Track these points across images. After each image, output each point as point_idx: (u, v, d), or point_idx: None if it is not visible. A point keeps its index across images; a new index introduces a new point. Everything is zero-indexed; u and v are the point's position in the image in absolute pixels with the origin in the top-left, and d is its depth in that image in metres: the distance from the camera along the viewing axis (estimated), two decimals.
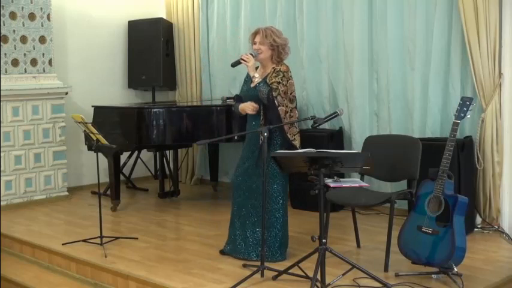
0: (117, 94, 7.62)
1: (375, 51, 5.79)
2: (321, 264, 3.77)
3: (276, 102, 4.33)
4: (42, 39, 6.70)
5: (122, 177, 6.87)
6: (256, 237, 4.42)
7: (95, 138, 5.07)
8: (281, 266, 4.22)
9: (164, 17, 7.68)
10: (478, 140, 5.07)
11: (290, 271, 4.05)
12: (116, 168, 6.28)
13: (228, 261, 4.53)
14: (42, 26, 6.69)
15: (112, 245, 4.99)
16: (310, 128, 4.77)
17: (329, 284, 3.86)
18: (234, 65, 4.55)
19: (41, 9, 6.67)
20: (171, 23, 7.63)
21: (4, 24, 6.44)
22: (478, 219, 5.16)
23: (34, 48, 6.66)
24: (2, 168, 6.36)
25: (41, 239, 5.28)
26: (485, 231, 5.09)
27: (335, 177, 4.17)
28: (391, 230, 4.25)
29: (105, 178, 6.17)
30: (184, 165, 7.68)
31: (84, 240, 5.05)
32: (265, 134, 4.13)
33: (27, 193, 6.62)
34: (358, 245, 4.82)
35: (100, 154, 5.32)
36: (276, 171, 4.33)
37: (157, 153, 7.11)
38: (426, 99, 5.45)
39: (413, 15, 5.44)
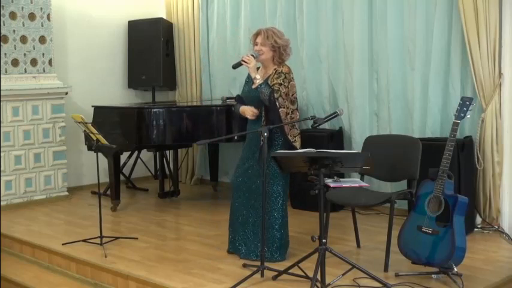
0: (117, 94, 7.62)
1: (375, 51, 5.79)
2: (321, 264, 3.77)
3: (277, 103, 4.33)
4: (42, 39, 6.70)
5: (122, 177, 6.87)
6: (256, 238, 4.42)
7: (95, 138, 5.07)
8: (281, 266, 4.22)
9: (164, 17, 7.68)
10: (478, 140, 5.07)
11: (290, 271, 4.05)
12: (116, 168, 6.28)
13: (228, 261, 4.53)
14: (42, 26, 6.69)
15: (112, 245, 4.99)
16: (310, 128, 4.78)
17: (329, 284, 3.86)
18: (235, 66, 4.54)
19: (41, 9, 6.67)
20: (171, 23, 7.63)
21: (4, 24, 6.44)
22: (478, 219, 5.16)
23: (34, 48, 6.66)
24: (2, 168, 6.36)
25: (41, 239, 5.28)
26: (485, 231, 5.09)
27: (335, 177, 4.17)
28: (391, 230, 4.25)
29: (105, 178, 6.17)
30: (184, 165, 7.68)
31: (84, 240, 5.05)
32: (266, 134, 4.13)
33: (27, 193, 6.62)
34: (358, 245, 4.82)
35: (100, 154, 5.33)
36: (276, 172, 4.33)
37: (157, 153, 7.11)
38: (426, 99, 5.45)
39: (413, 15, 5.44)
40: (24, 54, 6.60)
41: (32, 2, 6.59)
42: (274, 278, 4.09)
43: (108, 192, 6.42)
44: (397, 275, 4.09)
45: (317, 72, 6.25)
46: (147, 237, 5.23)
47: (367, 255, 4.61)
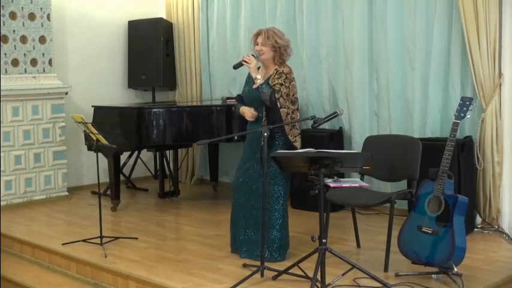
0: (117, 94, 7.62)
1: (375, 51, 5.79)
2: (321, 264, 3.77)
3: (278, 104, 4.33)
4: (42, 39, 6.70)
5: (122, 177, 6.87)
6: (258, 238, 4.42)
7: (95, 138, 5.07)
8: (281, 266, 4.22)
9: (164, 17, 7.68)
10: (478, 140, 5.07)
11: (290, 271, 4.05)
12: (116, 168, 6.28)
13: (228, 261, 4.53)
14: (42, 26, 6.69)
15: (112, 245, 4.99)
16: (310, 128, 4.78)
17: (329, 284, 3.86)
18: (236, 66, 4.54)
19: (41, 9, 6.67)
20: (171, 23, 7.63)
21: (4, 24, 6.44)
22: (478, 219, 5.16)
23: (34, 48, 6.66)
24: (2, 168, 6.36)
25: (41, 239, 5.28)
26: (485, 231, 5.09)
27: (335, 177, 4.17)
28: (391, 230, 4.25)
29: (105, 178, 6.17)
30: (184, 165, 7.68)
31: (84, 240, 5.05)
32: (265, 134, 4.13)
33: (27, 193, 6.62)
34: (358, 245, 4.82)
35: (100, 154, 5.32)
36: (277, 172, 4.33)
37: (157, 153, 7.11)
38: (426, 99, 5.45)
39: (413, 15, 5.44)
40: (24, 54, 6.60)
41: (32, 2, 6.59)
42: (274, 278, 4.09)
43: (108, 192, 6.41)
44: (397, 275, 4.09)
45: (317, 72, 6.25)
46: (147, 237, 5.23)
47: (367, 255, 4.61)
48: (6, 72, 6.46)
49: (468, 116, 4.13)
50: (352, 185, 4.38)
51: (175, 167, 7.04)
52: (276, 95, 4.32)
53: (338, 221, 5.43)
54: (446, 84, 5.35)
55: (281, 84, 4.35)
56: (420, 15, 5.41)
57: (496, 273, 4.20)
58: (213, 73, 7.37)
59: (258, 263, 4.17)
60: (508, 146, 5.05)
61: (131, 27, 7.67)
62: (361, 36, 5.84)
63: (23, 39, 6.58)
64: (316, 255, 3.83)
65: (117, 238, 5.12)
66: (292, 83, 4.42)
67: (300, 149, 4.40)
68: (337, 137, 5.97)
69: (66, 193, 6.91)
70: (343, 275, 3.99)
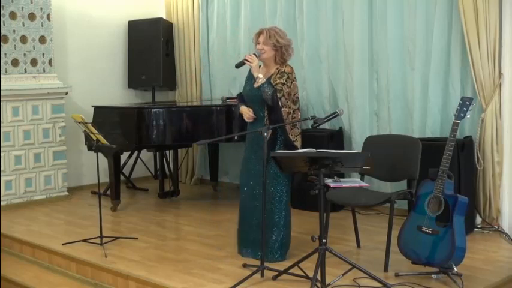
0: (117, 94, 7.62)
1: (375, 51, 5.79)
2: (321, 264, 3.77)
3: (279, 103, 4.34)
4: (42, 39, 6.70)
5: (122, 177, 6.87)
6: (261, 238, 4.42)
7: (95, 138, 5.07)
8: (281, 266, 4.22)
9: (164, 17, 7.68)
10: (478, 140, 5.07)
11: (290, 271, 4.05)
12: (116, 168, 6.28)
13: (228, 261, 4.53)
14: (42, 26, 6.69)
15: (112, 245, 4.99)
16: (310, 128, 4.78)
17: (329, 284, 3.86)
18: (238, 65, 4.55)
19: (41, 9, 6.67)
20: (171, 23, 7.63)
21: (4, 24, 6.44)
22: (478, 219, 5.16)
23: (34, 48, 6.66)
24: (2, 168, 6.36)
25: (41, 239, 5.28)
26: (485, 231, 5.09)
27: (335, 177, 4.17)
28: (391, 230, 4.25)
29: (105, 178, 6.17)
30: (184, 165, 7.68)
31: (84, 240, 5.05)
32: (265, 134, 4.13)
33: (27, 193, 6.62)
34: (358, 245, 4.82)
35: (100, 154, 5.33)
36: (279, 171, 4.33)
37: (157, 153, 7.11)
38: (426, 99, 5.45)
39: (413, 15, 5.44)
40: (24, 54, 6.60)
41: (32, 2, 6.59)
42: (274, 278, 4.09)
43: (108, 192, 6.41)
44: (397, 275, 4.09)
45: (317, 72, 6.25)
46: (147, 237, 5.23)
47: (367, 255, 4.61)
48: (6, 72, 6.46)
49: (468, 116, 4.13)
50: (352, 185, 4.39)
51: (175, 167, 7.04)
52: (278, 94, 4.32)
53: (338, 221, 5.43)
54: (446, 84, 5.35)
55: (283, 84, 4.35)
56: (420, 15, 5.41)
57: (496, 273, 4.20)
58: (213, 73, 7.37)
59: (258, 263, 4.17)
60: (508, 146, 5.05)
61: (131, 27, 7.67)
62: (361, 36, 5.84)
63: (23, 39, 6.58)
64: (316, 255, 3.83)
65: (117, 238, 5.12)
66: (293, 82, 4.43)
67: (300, 148, 4.41)
68: (337, 137, 5.97)
69: (66, 193, 6.91)
70: (343, 275, 3.99)
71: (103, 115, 6.38)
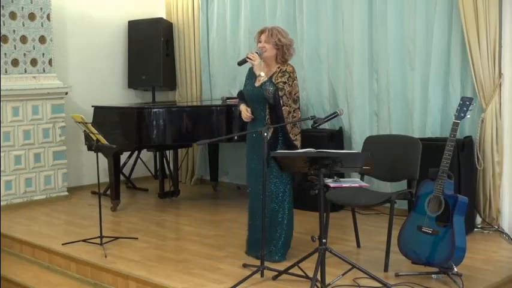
0: (117, 94, 7.62)
1: (375, 51, 5.79)
2: (321, 264, 3.77)
3: (281, 102, 4.34)
4: (42, 39, 6.70)
5: (122, 177, 6.87)
6: (269, 237, 4.41)
7: (95, 138, 5.07)
8: (281, 266, 4.22)
9: (164, 17, 7.68)
10: (478, 140, 5.07)
11: (290, 271, 4.05)
12: (116, 168, 6.28)
13: (228, 261, 4.53)
14: (42, 26, 6.69)
15: (112, 245, 4.99)
16: (310, 128, 4.78)
17: (329, 284, 3.86)
18: (240, 63, 4.57)
19: (41, 9, 6.67)
20: (171, 23, 7.63)
21: (4, 24, 6.44)
22: (478, 219, 5.16)
23: (34, 48, 6.66)
24: (2, 168, 6.36)
25: (41, 239, 5.28)
26: (485, 231, 5.09)
27: (335, 177, 4.17)
28: (391, 230, 4.25)
29: (105, 178, 6.17)
30: (184, 165, 7.68)
31: (84, 240, 5.05)
32: (265, 134, 4.14)
33: (27, 193, 6.62)
34: (358, 245, 4.82)
35: (100, 154, 5.33)
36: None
37: (157, 153, 7.10)
38: (426, 99, 5.45)
39: (413, 15, 5.44)
40: (24, 54, 6.60)
41: (32, 2, 6.59)
42: (274, 278, 4.09)
43: (108, 192, 6.41)
44: (397, 275, 4.09)
45: (317, 72, 6.25)
46: (147, 237, 5.23)
47: (367, 255, 4.61)
48: (6, 72, 6.46)
49: (468, 116, 4.13)
50: (352, 185, 4.39)
51: (175, 167, 7.04)
52: (280, 92, 4.33)
53: (338, 221, 5.43)
54: (446, 84, 5.35)
55: (284, 83, 4.36)
56: (420, 15, 5.40)
57: (496, 273, 4.20)
58: (213, 73, 7.37)
59: (258, 263, 4.17)
60: (508, 146, 5.05)
61: (131, 27, 7.67)
62: (361, 36, 5.84)
63: (23, 39, 6.58)
64: (316, 255, 3.83)
65: (117, 238, 5.12)
66: (294, 81, 4.44)
67: (300, 148, 4.41)
68: (337, 137, 5.97)
69: (66, 193, 6.91)
70: (343, 275, 3.99)
71: (103, 115, 6.38)
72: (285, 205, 4.48)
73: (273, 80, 4.38)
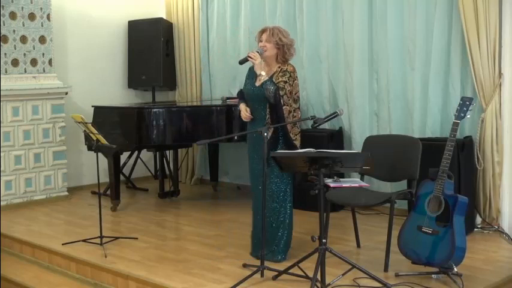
0: (117, 94, 7.62)
1: (375, 51, 5.79)
2: (321, 264, 3.77)
3: (281, 101, 4.34)
4: (42, 39, 6.70)
5: (122, 177, 6.87)
6: (268, 238, 4.41)
7: (95, 138, 5.07)
8: (281, 266, 4.22)
9: (164, 17, 7.68)
10: (478, 140, 5.07)
11: (290, 271, 4.05)
12: (116, 168, 6.28)
13: (228, 261, 4.53)
14: (42, 26, 6.69)
15: (112, 245, 4.99)
16: (310, 128, 4.78)
17: (329, 284, 3.86)
18: (241, 62, 4.57)
19: (41, 9, 6.67)
20: (171, 23, 7.63)
21: (4, 24, 6.44)
22: (478, 219, 5.16)
23: (34, 48, 6.66)
24: (2, 168, 6.36)
25: (41, 239, 5.28)
26: (485, 231, 5.09)
27: (335, 177, 4.17)
28: (391, 230, 4.25)
29: (105, 178, 6.17)
30: (184, 165, 7.68)
31: (84, 240, 5.05)
32: (266, 134, 4.14)
33: (27, 193, 6.62)
34: (358, 245, 4.82)
35: (100, 154, 5.33)
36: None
37: (157, 153, 7.10)
38: (426, 99, 5.45)
39: (413, 15, 5.44)
40: (24, 54, 6.60)
41: (32, 2, 6.59)
42: (274, 278, 4.09)
43: (108, 192, 6.41)
44: (397, 275, 4.09)
45: (317, 72, 6.25)
46: (147, 237, 5.23)
47: (367, 255, 4.61)
48: (6, 72, 6.46)
49: (468, 116, 4.13)
50: (352, 185, 4.39)
51: (175, 167, 7.04)
52: (281, 92, 4.33)
53: (338, 221, 5.43)
54: (446, 84, 5.35)
55: (285, 82, 4.36)
56: (420, 15, 5.40)
57: (496, 273, 4.20)
58: (213, 73, 7.37)
59: (258, 263, 4.17)
60: (508, 146, 5.05)
61: (131, 27, 7.67)
62: (361, 36, 5.84)
63: (23, 39, 6.58)
64: (316, 255, 3.83)
65: (117, 238, 5.12)
66: (295, 81, 4.44)
67: (300, 148, 4.41)
68: (337, 137, 5.97)
69: (66, 193, 6.91)
70: (343, 275, 3.99)
71: (103, 115, 6.38)
72: (287, 205, 4.49)
73: (274, 80, 4.38)
